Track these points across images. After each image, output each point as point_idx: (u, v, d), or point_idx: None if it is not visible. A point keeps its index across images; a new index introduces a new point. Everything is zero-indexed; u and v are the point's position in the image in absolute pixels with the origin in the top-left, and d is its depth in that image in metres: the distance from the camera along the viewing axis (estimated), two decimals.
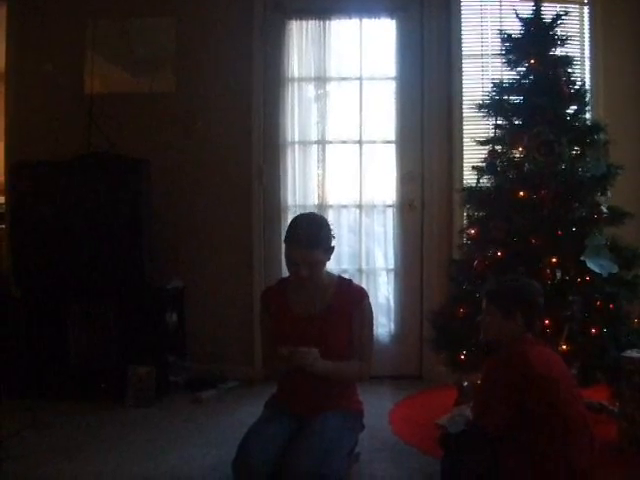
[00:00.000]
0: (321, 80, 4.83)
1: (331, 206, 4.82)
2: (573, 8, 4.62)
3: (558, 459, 2.47)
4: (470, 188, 3.97)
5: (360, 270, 4.80)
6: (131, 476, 3.14)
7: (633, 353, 3.31)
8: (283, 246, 2.96)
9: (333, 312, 2.97)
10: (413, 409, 4.16)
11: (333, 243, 3.02)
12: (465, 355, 3.77)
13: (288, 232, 2.96)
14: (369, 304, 3.08)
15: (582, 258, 3.48)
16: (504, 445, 2.56)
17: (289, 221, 3.06)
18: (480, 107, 3.98)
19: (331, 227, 3.07)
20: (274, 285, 3.23)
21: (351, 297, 3.02)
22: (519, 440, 2.54)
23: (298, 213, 3.50)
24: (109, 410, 4.09)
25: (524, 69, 3.88)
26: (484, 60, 4.70)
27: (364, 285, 4.62)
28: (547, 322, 3.35)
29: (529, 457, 2.51)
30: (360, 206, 4.82)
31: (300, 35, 4.79)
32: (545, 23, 3.85)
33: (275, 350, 2.85)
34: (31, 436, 3.55)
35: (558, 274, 3.52)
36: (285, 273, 3.14)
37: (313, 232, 2.91)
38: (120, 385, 4.20)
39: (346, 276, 3.20)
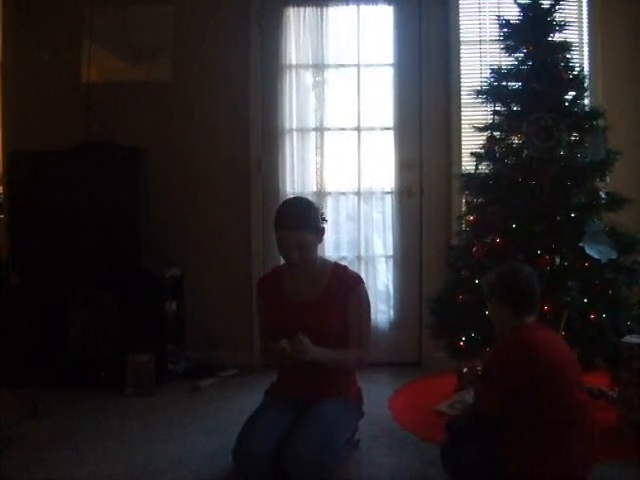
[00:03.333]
0: (319, 67, 4.81)
1: (329, 193, 4.80)
2: None
3: (558, 445, 2.48)
4: (469, 174, 3.97)
5: (359, 257, 4.79)
6: (131, 464, 3.14)
7: (632, 339, 3.32)
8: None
9: (328, 298, 2.98)
10: (412, 396, 4.16)
11: (323, 225, 3.04)
12: (464, 341, 3.78)
13: (276, 216, 2.98)
14: (365, 290, 3.09)
15: (581, 244, 3.48)
16: (505, 430, 2.57)
17: None
18: (478, 93, 3.97)
19: (322, 210, 3.10)
20: (269, 273, 3.23)
21: (346, 283, 3.02)
22: (520, 425, 2.55)
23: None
24: (109, 398, 4.09)
25: (522, 55, 3.86)
26: (482, 46, 4.66)
27: (363, 272, 4.63)
28: (546, 308, 3.35)
29: (529, 442, 2.51)
30: (359, 193, 4.80)
31: (297, 22, 4.76)
32: (543, 8, 3.83)
33: (271, 338, 2.86)
34: (31, 424, 3.56)
35: (557, 260, 3.52)
36: (282, 261, 3.14)
37: (300, 213, 2.93)
38: (119, 373, 4.20)
39: (344, 263, 3.20)
